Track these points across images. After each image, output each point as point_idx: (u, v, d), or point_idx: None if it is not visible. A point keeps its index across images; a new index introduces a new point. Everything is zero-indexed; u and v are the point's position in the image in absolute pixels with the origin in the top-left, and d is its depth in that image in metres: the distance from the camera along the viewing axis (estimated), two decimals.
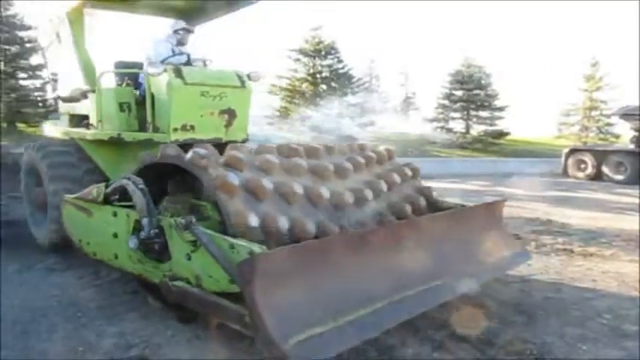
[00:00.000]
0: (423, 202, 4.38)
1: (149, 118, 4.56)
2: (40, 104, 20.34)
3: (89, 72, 5.31)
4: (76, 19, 5.29)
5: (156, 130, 4.56)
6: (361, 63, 32.53)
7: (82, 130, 5.39)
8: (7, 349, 3.17)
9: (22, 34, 20.35)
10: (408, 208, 4.17)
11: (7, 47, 20.37)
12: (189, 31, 5.38)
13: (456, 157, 24.04)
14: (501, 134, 27.23)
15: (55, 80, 6.41)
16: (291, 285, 2.59)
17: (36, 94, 20.54)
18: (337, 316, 2.63)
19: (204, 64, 5.21)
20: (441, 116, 29.02)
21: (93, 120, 5.29)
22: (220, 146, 3.80)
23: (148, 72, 4.46)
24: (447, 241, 3.66)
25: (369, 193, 3.94)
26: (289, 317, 2.48)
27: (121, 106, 4.96)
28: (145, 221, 3.27)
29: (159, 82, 4.49)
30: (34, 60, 20.28)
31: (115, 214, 3.69)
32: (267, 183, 3.38)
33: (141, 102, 5.01)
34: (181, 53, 5.06)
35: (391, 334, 3.23)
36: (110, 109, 5.04)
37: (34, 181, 5.72)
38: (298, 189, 3.49)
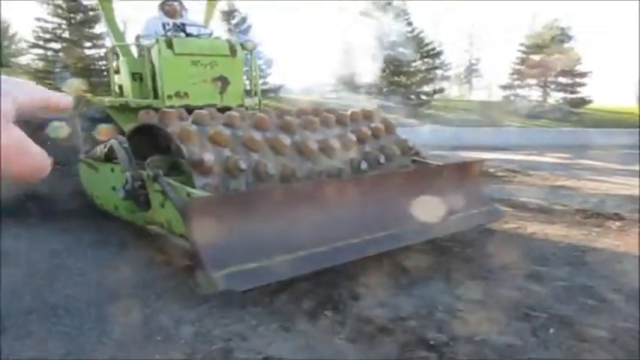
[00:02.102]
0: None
1: (150, 86, 5.28)
2: (105, 73, 21.99)
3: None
4: None
5: (156, 97, 5.27)
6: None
7: (104, 98, 6.24)
8: (82, 335, 3.05)
9: (86, 1, 21.70)
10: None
11: (72, 15, 22.01)
12: (173, 3, 6.02)
13: (532, 127, 23.56)
14: (582, 102, 26.23)
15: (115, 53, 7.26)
16: (229, 227, 3.18)
17: (101, 63, 21.91)
18: (271, 256, 3.22)
19: (209, 35, 5.84)
20: (516, 83, 28.30)
21: (114, 88, 6.14)
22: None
23: (142, 44, 5.16)
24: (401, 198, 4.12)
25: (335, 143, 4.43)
26: (224, 253, 3.08)
27: (134, 76, 5.71)
28: (127, 175, 3.97)
29: (154, 53, 5.18)
30: (98, 29, 21.81)
31: (112, 170, 4.44)
32: (227, 131, 3.96)
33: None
34: (176, 27, 5.71)
35: None
36: (125, 79, 5.83)
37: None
38: (258, 137, 4.04)
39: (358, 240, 3.64)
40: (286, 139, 4.15)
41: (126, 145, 4.10)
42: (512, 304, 3.53)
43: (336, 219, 3.66)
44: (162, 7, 6.10)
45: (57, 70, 21.74)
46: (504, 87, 28.86)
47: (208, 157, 3.64)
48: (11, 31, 31.97)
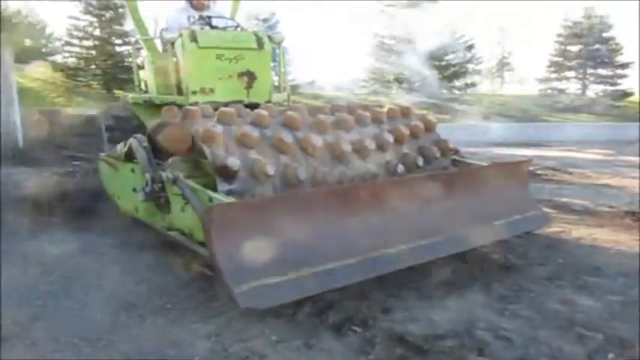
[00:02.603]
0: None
1: (174, 82, 5.07)
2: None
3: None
4: None
5: (180, 93, 5.06)
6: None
7: (128, 95, 6.08)
8: (90, 346, 2.89)
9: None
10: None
11: (102, 13, 22.22)
12: None
13: (570, 121, 22.81)
14: (624, 95, 25.26)
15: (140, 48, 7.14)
16: (253, 236, 2.94)
17: (130, 59, 22.17)
18: (298, 269, 2.96)
19: (235, 28, 5.60)
20: (554, 75, 27.45)
21: (138, 84, 5.97)
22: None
23: (165, 37, 4.94)
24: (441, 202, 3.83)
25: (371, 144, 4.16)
26: (245, 265, 2.85)
27: (158, 72, 5.52)
28: (147, 176, 3.77)
29: (177, 47, 4.97)
30: (127, 26, 21.95)
31: (132, 171, 4.26)
32: (254, 132, 3.72)
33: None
34: (202, 19, 5.48)
35: None
36: (149, 74, 5.65)
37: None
38: (288, 138, 3.79)
39: (394, 250, 3.37)
40: (318, 140, 3.90)
41: (145, 144, 3.90)
42: (562, 321, 3.21)
43: (370, 227, 3.39)
44: (191, 2, 5.90)
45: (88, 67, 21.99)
46: (540, 80, 28.00)
47: (233, 161, 3.41)
48: (48, 31, 32.64)
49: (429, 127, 4.84)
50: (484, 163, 4.87)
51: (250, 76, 5.09)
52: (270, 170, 3.55)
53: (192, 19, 5.54)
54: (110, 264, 4.19)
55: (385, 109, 4.81)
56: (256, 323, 3.09)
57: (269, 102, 5.14)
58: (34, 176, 7.81)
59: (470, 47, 26.26)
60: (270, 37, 5.26)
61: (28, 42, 27.56)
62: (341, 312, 3.22)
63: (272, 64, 5.52)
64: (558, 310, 3.35)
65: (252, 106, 4.44)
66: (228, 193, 3.41)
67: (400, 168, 4.31)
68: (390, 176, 4.29)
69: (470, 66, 26.63)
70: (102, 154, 4.95)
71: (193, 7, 5.85)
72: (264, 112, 3.99)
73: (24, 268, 4.08)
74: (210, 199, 3.23)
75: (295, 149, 3.89)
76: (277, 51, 5.68)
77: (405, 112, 4.93)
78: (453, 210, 3.93)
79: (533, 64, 66.26)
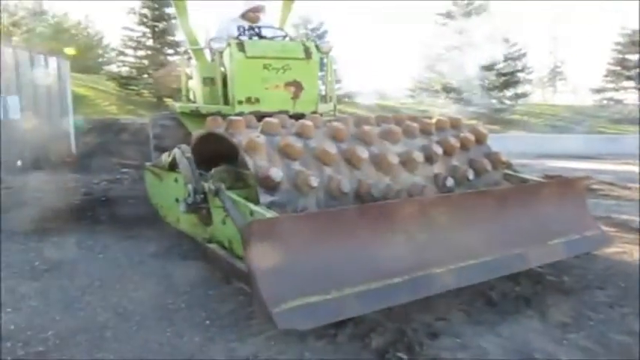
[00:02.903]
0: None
1: (220, 92, 5.03)
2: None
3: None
4: (180, 2, 5.90)
5: (226, 103, 5.01)
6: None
7: (176, 104, 6.09)
8: None
9: (169, 10, 22.37)
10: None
11: (156, 24, 22.79)
12: (257, 11, 5.76)
13: (628, 133, 21.86)
14: None
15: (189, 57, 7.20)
16: (294, 253, 2.80)
17: (179, 69, 22.58)
18: (341, 288, 2.81)
19: (283, 38, 5.54)
20: (611, 85, 26.42)
21: (185, 93, 5.98)
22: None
23: (213, 47, 4.91)
24: (493, 220, 3.61)
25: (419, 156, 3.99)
26: (285, 283, 2.71)
27: (205, 81, 5.50)
28: (189, 187, 3.70)
29: (225, 56, 4.93)
30: (178, 36, 22.44)
31: (176, 180, 4.21)
32: (298, 143, 3.60)
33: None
34: (251, 30, 5.44)
35: None
36: (196, 84, 5.64)
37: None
38: (332, 149, 3.66)
39: (443, 270, 3.17)
40: (364, 152, 3.75)
41: (189, 154, 3.84)
42: (627, 354, 2.94)
43: (417, 246, 3.20)
44: (244, 15, 5.88)
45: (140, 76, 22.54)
46: (596, 90, 26.97)
47: (276, 172, 3.30)
48: (105, 42, 33.87)
49: (480, 139, 4.62)
50: (539, 179, 4.61)
51: (297, 86, 5.01)
52: (314, 182, 3.42)
53: (242, 30, 5.51)
54: (150, 275, 4.13)
55: (434, 120, 4.62)
56: (296, 344, 2.95)
57: (315, 112, 5.04)
58: (84, 183, 7.98)
59: (521, 56, 25.58)
60: (317, 47, 5.16)
61: (85, 52, 28.56)
62: (385, 335, 3.04)
63: (319, 74, 5.43)
64: (622, 342, 3.08)
65: (298, 117, 4.35)
66: (270, 204, 3.31)
67: (449, 181, 4.12)
68: (439, 190, 4.10)
69: (521, 75, 25.92)
70: (148, 164, 4.95)
71: (246, 18, 5.82)
72: (308, 123, 3.88)
73: (70, 278, 4.07)
74: (252, 213, 3.13)
75: (339, 161, 3.75)
76: (325, 60, 5.58)
77: (455, 124, 4.74)
78: (506, 228, 3.70)
79: (587, 74, 64.12)
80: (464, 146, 4.45)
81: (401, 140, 4.20)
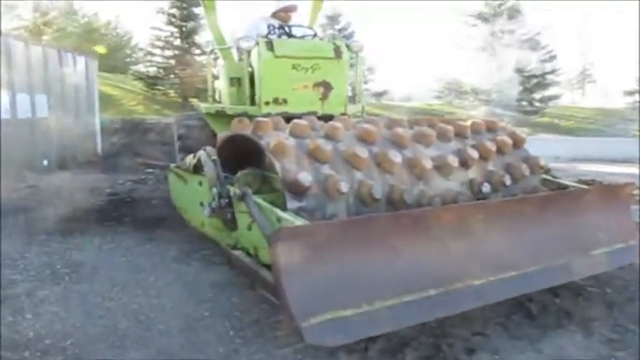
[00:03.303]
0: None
1: (247, 92, 4.89)
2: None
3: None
4: (209, 1, 5.77)
5: (253, 103, 4.87)
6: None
7: (201, 104, 5.99)
8: None
9: (197, 10, 22.37)
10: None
11: (184, 24, 22.90)
12: (289, 10, 5.61)
13: None
14: None
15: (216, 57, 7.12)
16: (324, 263, 2.64)
17: (205, 69, 22.56)
18: (372, 301, 2.64)
19: (313, 37, 5.38)
20: None
21: (211, 93, 5.87)
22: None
23: (241, 46, 4.77)
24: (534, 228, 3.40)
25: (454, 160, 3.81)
26: (314, 296, 2.55)
27: (232, 81, 5.37)
28: (214, 191, 3.57)
29: (253, 56, 4.78)
30: (206, 36, 22.49)
31: (200, 184, 4.08)
32: (328, 146, 3.43)
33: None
34: (281, 29, 5.28)
35: None
36: (223, 84, 5.52)
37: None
38: (363, 152, 3.49)
39: (482, 281, 2.98)
40: (396, 156, 3.57)
41: (214, 157, 3.70)
42: None
43: (453, 256, 3.01)
44: (275, 14, 5.74)
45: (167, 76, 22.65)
46: (629, 93, 26.25)
47: (305, 177, 3.14)
48: (133, 42, 34.22)
49: (518, 143, 4.40)
50: (580, 185, 4.37)
51: (326, 87, 4.84)
52: (344, 187, 3.25)
53: (271, 28, 5.36)
54: (173, 281, 4.00)
55: (469, 123, 4.42)
56: (325, 359, 2.81)
57: (344, 114, 4.87)
58: (109, 183, 7.94)
59: (552, 58, 25.02)
60: (348, 46, 4.99)
61: (114, 52, 28.87)
62: (419, 350, 2.88)
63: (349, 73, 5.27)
64: None
65: (326, 118, 4.19)
66: (298, 210, 3.15)
67: (486, 187, 3.91)
68: (474, 196, 3.90)
69: (549, 77, 25.37)
70: (172, 165, 4.83)
71: (277, 17, 5.69)
72: (338, 125, 3.71)
73: (91, 282, 3.97)
74: (279, 220, 2.98)
75: (371, 165, 3.58)
76: (353, 60, 5.40)
77: (491, 126, 4.52)
78: (547, 237, 3.48)
79: (618, 76, 62.66)
80: (500, 150, 4.23)
81: (434, 143, 4.01)
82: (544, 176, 4.46)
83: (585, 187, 4.23)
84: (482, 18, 25.14)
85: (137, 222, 5.60)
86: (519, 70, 24.21)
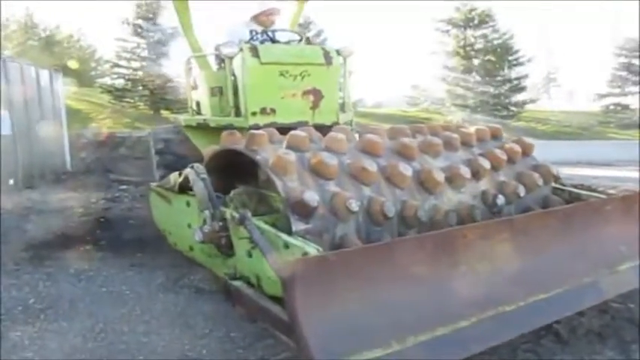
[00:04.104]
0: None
1: (231, 102, 4.53)
2: (182, 91, 22.07)
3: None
4: (181, 6, 5.45)
5: (238, 114, 4.51)
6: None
7: (179, 116, 5.60)
8: None
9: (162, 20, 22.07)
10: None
11: (151, 34, 22.40)
12: (271, 14, 5.29)
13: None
14: None
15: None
16: (346, 298, 2.31)
17: (176, 80, 22.03)
18: (403, 337, 2.31)
19: (299, 42, 5.05)
20: (617, 91, 26.07)
21: (190, 105, 5.47)
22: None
23: (223, 53, 4.41)
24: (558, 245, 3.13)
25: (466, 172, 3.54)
26: (337, 335, 2.22)
27: (212, 90, 5.01)
28: (206, 213, 3.21)
29: (236, 63, 4.42)
30: (173, 46, 21.98)
31: (188, 204, 3.73)
32: (332, 160, 3.12)
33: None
34: (265, 34, 4.93)
35: None
36: (203, 94, 5.14)
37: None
38: (372, 166, 3.20)
39: (513, 307, 2.68)
40: (407, 169, 3.27)
41: (204, 176, 3.34)
42: None
43: (482, 279, 2.72)
44: (256, 17, 5.38)
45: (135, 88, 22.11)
46: (602, 95, 26.57)
47: (311, 196, 2.81)
48: (97, 55, 33.43)
49: (527, 151, 4.16)
50: (600, 195, 4.13)
51: (317, 95, 4.50)
52: (355, 206, 2.93)
53: (254, 34, 5.00)
54: (162, 313, 3.62)
55: (473, 130, 4.16)
56: None
57: (337, 123, 4.54)
58: (81, 202, 7.47)
59: (528, 61, 25.12)
60: (338, 52, 4.67)
61: (78, 65, 28.09)
62: None
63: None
64: None
65: (318, 128, 3.88)
66: (304, 233, 2.82)
67: (500, 200, 3.64)
68: (488, 209, 3.62)
69: (522, 81, 25.54)
70: (152, 184, 4.42)
71: (258, 22, 5.33)
72: (340, 136, 3.40)
73: (69, 319, 3.56)
74: (286, 245, 2.64)
75: (379, 179, 3.27)
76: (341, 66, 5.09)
77: (496, 133, 4.29)
78: (573, 254, 3.22)
79: (584, 79, 64.07)
80: (510, 159, 3.98)
81: (442, 153, 3.73)
82: (554, 185, 4.22)
83: (604, 197, 3.98)
84: (453, 24, 25.16)
85: (116, 245, 5.18)
86: (493, 75, 24.31)
